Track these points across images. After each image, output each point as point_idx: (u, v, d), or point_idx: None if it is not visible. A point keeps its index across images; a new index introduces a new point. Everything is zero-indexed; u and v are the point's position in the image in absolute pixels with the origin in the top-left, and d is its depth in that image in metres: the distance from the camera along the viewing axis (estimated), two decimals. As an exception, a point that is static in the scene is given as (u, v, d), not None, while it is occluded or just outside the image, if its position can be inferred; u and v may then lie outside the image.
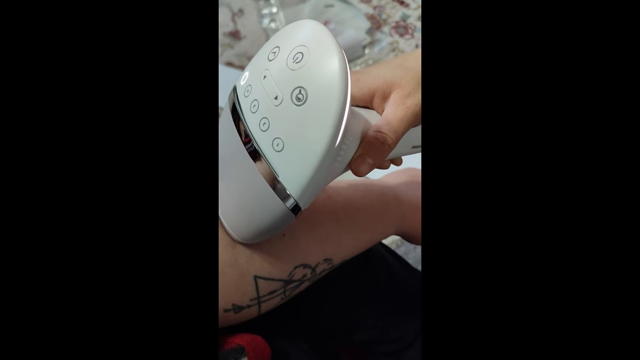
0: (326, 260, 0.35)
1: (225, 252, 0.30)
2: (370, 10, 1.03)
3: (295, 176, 0.23)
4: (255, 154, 0.24)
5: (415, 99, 0.28)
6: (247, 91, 0.24)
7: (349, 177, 0.35)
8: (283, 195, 0.24)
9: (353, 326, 0.42)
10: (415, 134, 0.31)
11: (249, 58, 1.07)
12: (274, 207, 0.25)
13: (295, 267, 0.33)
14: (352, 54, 0.97)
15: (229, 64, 1.08)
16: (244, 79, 0.25)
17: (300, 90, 0.21)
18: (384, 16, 1.02)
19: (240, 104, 0.25)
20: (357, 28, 0.99)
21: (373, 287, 0.43)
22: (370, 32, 1.00)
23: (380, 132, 0.27)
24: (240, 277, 0.30)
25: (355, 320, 0.42)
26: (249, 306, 0.31)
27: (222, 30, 1.13)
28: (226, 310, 0.30)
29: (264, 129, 0.23)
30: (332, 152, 0.22)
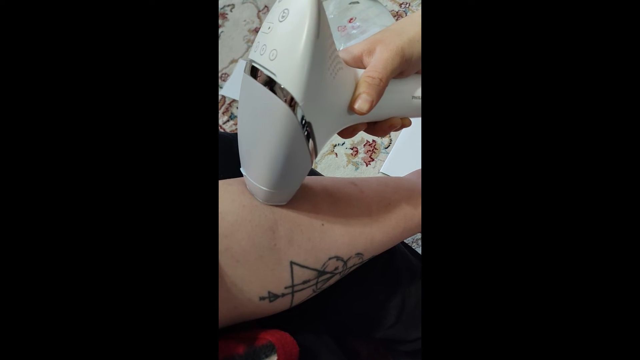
0: (358, 254, 0.36)
1: (264, 237, 0.31)
2: (396, 8, 1.02)
3: (289, 71, 0.26)
4: (266, 82, 0.27)
5: (396, 44, 0.31)
6: (259, 47, 0.28)
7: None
8: (284, 95, 0.26)
9: (374, 325, 0.43)
10: (414, 83, 0.34)
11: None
12: (278, 111, 0.27)
13: (329, 258, 0.34)
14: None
15: (254, 60, 1.09)
16: (255, 48, 0.29)
17: (283, 11, 0.26)
18: (409, 13, 1.01)
19: (252, 58, 0.29)
20: (382, 25, 0.99)
21: (395, 286, 0.44)
22: (395, 29, 0.99)
23: (366, 73, 0.31)
24: (277, 262, 0.31)
25: (376, 319, 0.43)
26: (283, 295, 0.32)
27: (247, 26, 1.14)
28: (262, 298, 0.31)
29: (271, 57, 0.26)
30: (315, 44, 0.25)
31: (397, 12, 1.01)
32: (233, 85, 1.08)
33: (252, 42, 1.13)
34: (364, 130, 0.35)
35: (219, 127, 1.05)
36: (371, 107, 0.30)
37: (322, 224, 0.34)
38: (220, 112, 1.06)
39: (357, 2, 1.03)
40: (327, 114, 0.29)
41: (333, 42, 0.27)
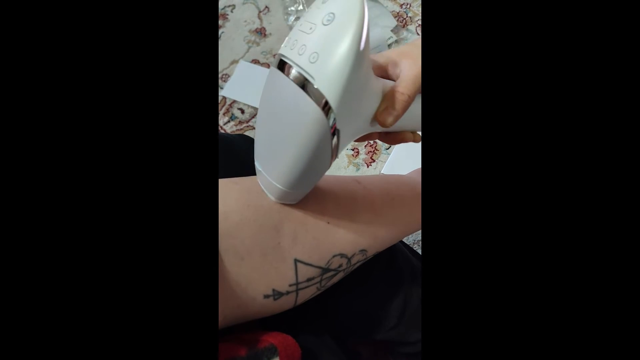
0: (362, 251, 0.37)
1: (268, 236, 0.31)
2: (397, 8, 1.02)
3: (329, 77, 0.25)
4: (302, 83, 0.26)
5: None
6: (296, 45, 0.27)
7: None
8: (318, 98, 0.26)
9: (374, 326, 0.43)
10: None
11: (275, 55, 1.08)
12: (310, 114, 0.26)
13: (334, 256, 0.34)
14: (378, 52, 0.97)
15: (255, 61, 1.09)
16: (291, 46, 0.28)
17: (329, 15, 0.26)
18: (410, 14, 1.02)
19: (287, 55, 0.28)
20: (383, 26, 0.99)
21: (397, 287, 0.44)
22: (396, 30, 1.00)
23: (396, 88, 0.31)
24: (281, 260, 0.32)
25: (377, 320, 0.43)
26: (287, 292, 0.33)
27: (248, 27, 1.14)
28: (266, 296, 0.32)
29: (312, 60, 0.26)
30: (358, 53, 0.25)
31: (397, 13, 1.02)
32: (234, 86, 1.07)
33: (253, 43, 1.13)
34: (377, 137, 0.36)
35: (220, 128, 1.05)
36: (395, 122, 0.30)
37: (328, 222, 0.34)
38: (220, 112, 1.06)
39: (358, 3, 1.03)
40: (353, 121, 0.29)
41: (369, 52, 0.27)
